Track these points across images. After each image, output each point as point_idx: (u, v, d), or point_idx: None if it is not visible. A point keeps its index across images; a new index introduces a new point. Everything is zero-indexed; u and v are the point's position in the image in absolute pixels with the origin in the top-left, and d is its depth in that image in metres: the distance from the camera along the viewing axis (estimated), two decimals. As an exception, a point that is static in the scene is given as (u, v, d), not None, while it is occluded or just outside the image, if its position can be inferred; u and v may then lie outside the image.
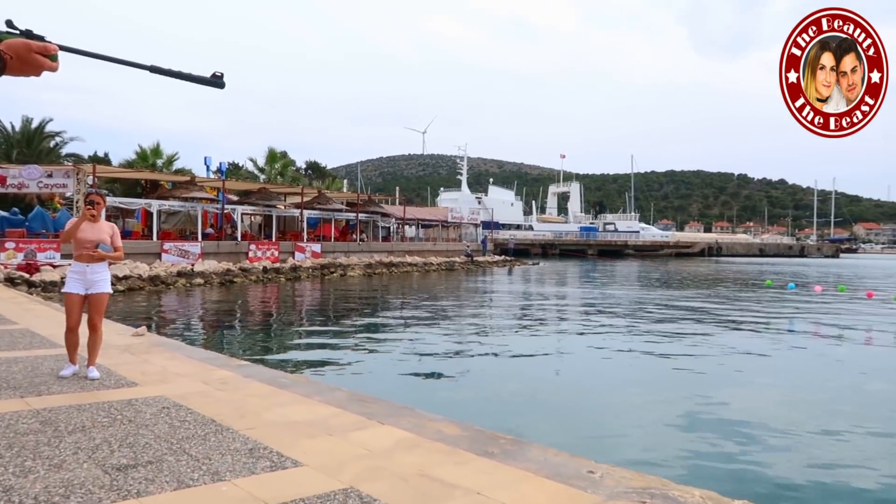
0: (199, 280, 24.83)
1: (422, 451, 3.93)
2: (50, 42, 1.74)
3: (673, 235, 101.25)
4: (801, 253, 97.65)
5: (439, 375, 10.01)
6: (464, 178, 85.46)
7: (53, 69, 1.75)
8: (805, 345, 13.68)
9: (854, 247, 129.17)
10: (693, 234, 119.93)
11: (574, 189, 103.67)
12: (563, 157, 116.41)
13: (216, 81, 1.95)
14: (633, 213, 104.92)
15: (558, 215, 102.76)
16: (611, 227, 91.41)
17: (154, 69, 1.90)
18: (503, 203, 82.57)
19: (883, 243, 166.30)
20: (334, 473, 3.50)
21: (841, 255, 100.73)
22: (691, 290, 28.99)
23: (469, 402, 8.30)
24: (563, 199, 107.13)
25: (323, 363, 10.68)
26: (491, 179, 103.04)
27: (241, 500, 3.12)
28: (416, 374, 10.04)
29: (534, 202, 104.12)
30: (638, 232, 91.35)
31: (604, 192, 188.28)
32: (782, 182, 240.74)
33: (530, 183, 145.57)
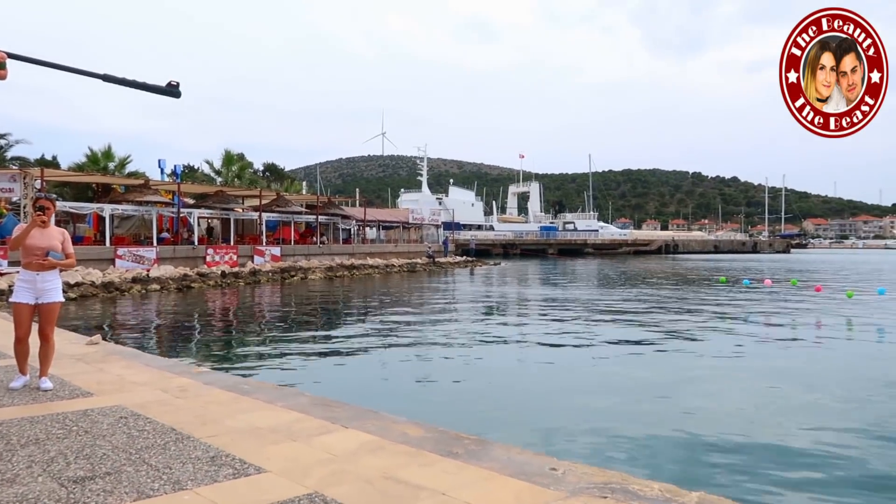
0: (154, 286, 24.31)
1: (386, 453, 3.94)
2: None
3: (631, 234, 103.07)
4: (754, 249, 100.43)
5: (403, 378, 10.01)
6: (424, 179, 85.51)
7: (2, 77, 1.71)
8: (760, 339, 14.07)
9: (804, 242, 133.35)
10: (650, 233, 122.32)
11: (534, 189, 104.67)
12: (523, 157, 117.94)
13: (172, 91, 1.94)
14: (591, 213, 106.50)
15: (519, 215, 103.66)
16: (570, 227, 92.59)
17: (108, 78, 1.87)
18: (464, 203, 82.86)
19: (831, 238, 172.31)
20: (298, 479, 3.48)
21: (791, 250, 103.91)
22: (650, 288, 29.55)
23: (433, 404, 8.32)
24: (523, 198, 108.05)
25: (285, 369, 10.57)
26: (451, 180, 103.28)
27: (204, 509, 3.08)
28: (380, 378, 10.02)
29: (494, 202, 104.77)
30: (597, 231, 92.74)
31: (563, 192, 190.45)
32: (735, 180, 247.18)
33: (490, 183, 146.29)
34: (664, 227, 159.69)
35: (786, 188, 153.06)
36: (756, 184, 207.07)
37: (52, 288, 5.68)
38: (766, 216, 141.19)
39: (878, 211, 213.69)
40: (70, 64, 1.86)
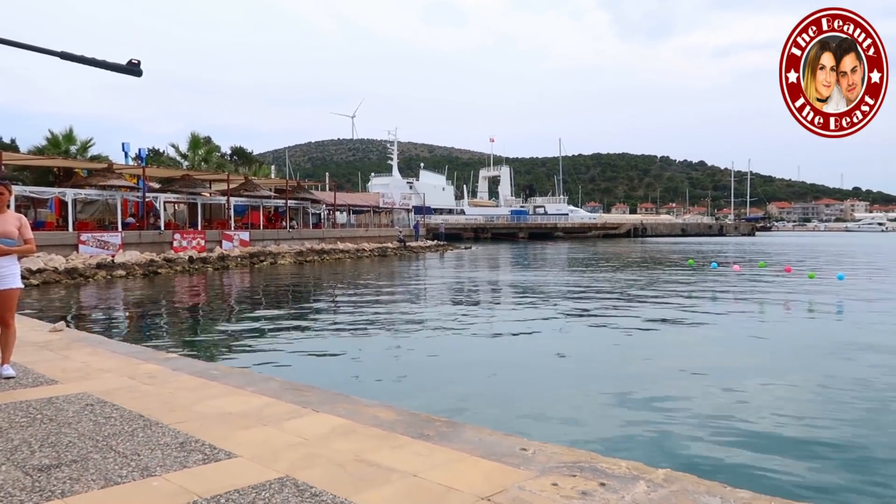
0: (120, 272, 23.88)
1: (358, 436, 3.95)
2: None
3: (600, 217, 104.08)
4: (720, 232, 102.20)
5: (374, 362, 10.01)
6: (394, 164, 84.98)
7: None
8: (724, 319, 14.37)
9: (768, 225, 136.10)
10: (619, 216, 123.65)
11: (504, 173, 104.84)
12: (493, 140, 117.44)
13: (133, 69, 1.89)
14: (561, 196, 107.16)
15: (489, 199, 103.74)
16: (541, 211, 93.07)
17: (66, 56, 1.82)
18: (434, 188, 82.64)
19: (794, 221, 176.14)
20: (269, 463, 3.48)
21: (756, 233, 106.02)
22: (618, 271, 29.91)
23: (405, 388, 8.35)
24: (494, 183, 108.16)
25: (255, 354, 10.50)
26: (422, 164, 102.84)
27: (173, 495, 3.06)
28: (351, 362, 10.01)
29: (465, 186, 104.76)
30: (567, 214, 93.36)
31: (533, 176, 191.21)
32: (702, 164, 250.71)
33: (461, 167, 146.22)
34: (633, 211, 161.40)
35: (751, 172, 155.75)
36: (723, 168, 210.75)
37: (9, 274, 5.54)
38: (732, 200, 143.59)
39: (840, 194, 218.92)
40: (26, 41, 1.79)
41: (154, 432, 4.02)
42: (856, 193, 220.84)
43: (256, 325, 13.73)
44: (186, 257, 28.02)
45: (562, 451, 3.70)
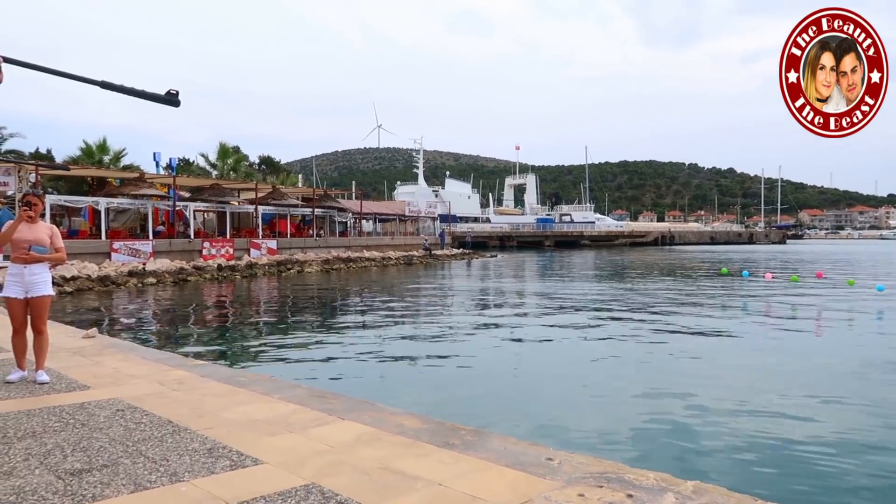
0: (151, 279, 24.28)
1: (383, 444, 3.95)
2: None
3: (627, 225, 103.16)
4: (750, 240, 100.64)
5: (400, 370, 10.03)
6: (420, 172, 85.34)
7: None
8: (757, 331, 14.11)
9: (800, 233, 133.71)
10: (647, 224, 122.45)
11: (530, 181, 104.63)
12: (518, 148, 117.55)
13: (171, 100, 1.92)
14: (588, 204, 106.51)
15: (515, 207, 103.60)
16: (567, 219, 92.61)
17: (106, 85, 1.85)
18: (460, 196, 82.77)
19: (826, 229, 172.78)
20: (295, 470, 3.49)
21: (787, 241, 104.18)
22: (647, 279, 29.60)
23: (430, 395, 8.34)
24: (520, 191, 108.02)
25: (282, 361, 10.58)
26: (447, 172, 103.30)
27: (200, 501, 3.09)
28: (377, 369, 10.04)
29: (490, 195, 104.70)
30: (593, 222, 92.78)
31: (559, 184, 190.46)
32: (731, 171, 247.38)
33: (487, 175, 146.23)
34: (660, 219, 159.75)
35: (782, 179, 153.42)
36: (752, 175, 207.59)
37: (40, 281, 5.67)
38: (763, 207, 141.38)
39: (874, 202, 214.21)
40: (64, 68, 1.84)
41: (182, 438, 4.06)
42: (891, 200, 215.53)
43: (283, 332, 13.84)
44: (215, 265, 28.39)
45: (588, 461, 3.66)
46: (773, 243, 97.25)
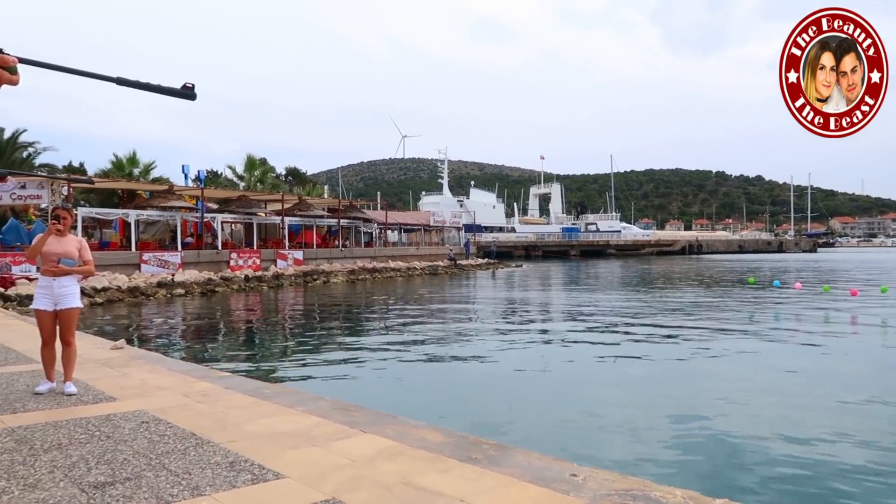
0: (179, 290, 24.60)
1: (405, 458, 3.91)
2: (8, 54, 1.68)
3: (654, 234, 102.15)
4: (780, 248, 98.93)
5: (423, 382, 9.99)
6: (445, 182, 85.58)
7: (13, 82, 1.70)
8: (788, 344, 13.82)
9: (831, 241, 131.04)
10: (673, 233, 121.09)
11: (555, 190, 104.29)
12: (543, 157, 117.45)
13: (187, 93, 1.92)
14: (614, 213, 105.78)
15: (540, 217, 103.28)
16: (592, 228, 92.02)
17: (121, 81, 1.86)
18: (485, 206, 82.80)
19: (858, 237, 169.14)
20: (316, 484, 3.47)
21: (818, 249, 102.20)
22: (675, 289, 29.22)
23: (453, 408, 8.29)
24: (545, 200, 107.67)
25: (306, 372, 10.61)
26: (472, 182, 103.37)
27: (222, 515, 3.08)
28: (401, 382, 10.01)
29: (515, 204, 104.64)
30: (619, 231, 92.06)
31: (585, 193, 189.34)
32: (759, 178, 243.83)
33: (511, 185, 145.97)
34: (688, 228, 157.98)
35: (812, 186, 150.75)
36: (781, 182, 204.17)
37: (68, 293, 5.76)
38: (792, 215, 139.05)
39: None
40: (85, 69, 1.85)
41: (205, 451, 4.07)
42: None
43: (308, 342, 13.90)
44: (242, 276, 28.68)
45: (614, 477, 3.58)
46: (804, 252, 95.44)
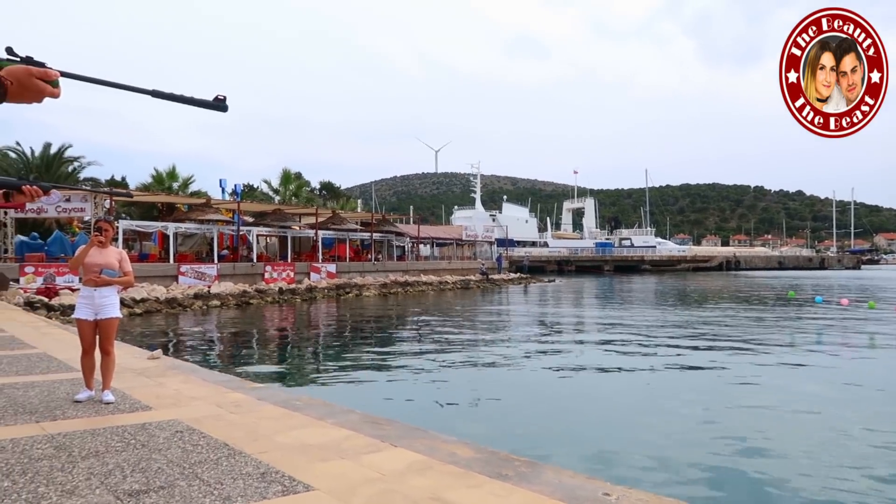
0: (215, 302, 24.99)
1: (434, 473, 3.89)
2: (51, 68, 1.75)
3: (690, 249, 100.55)
4: (822, 265, 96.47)
5: (454, 397, 9.95)
6: (477, 196, 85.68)
7: (55, 95, 1.77)
8: (832, 362, 13.43)
9: (876, 258, 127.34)
10: (710, 248, 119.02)
11: (588, 205, 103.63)
12: (576, 172, 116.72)
13: (219, 105, 1.96)
14: (648, 228, 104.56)
15: (573, 231, 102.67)
16: (627, 243, 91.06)
17: (156, 94, 1.91)
18: (517, 220, 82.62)
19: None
20: (345, 498, 3.47)
21: (863, 266, 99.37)
22: (712, 305, 28.68)
23: (484, 423, 8.23)
24: (578, 214, 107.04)
25: (337, 384, 10.66)
26: (505, 196, 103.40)
27: (252, 526, 3.09)
28: (431, 396, 9.98)
29: (548, 218, 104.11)
30: (654, 247, 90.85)
31: (619, 208, 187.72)
32: (800, 193, 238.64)
33: (544, 199, 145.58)
34: (725, 243, 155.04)
35: (855, 202, 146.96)
36: (823, 197, 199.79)
37: (109, 304, 5.89)
38: (834, 231, 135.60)
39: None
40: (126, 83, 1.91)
41: (237, 461, 4.10)
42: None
43: (340, 355, 13.97)
44: (277, 288, 29.03)
45: (648, 497, 3.50)
46: (847, 269, 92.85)
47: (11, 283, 21.48)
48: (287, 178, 52.03)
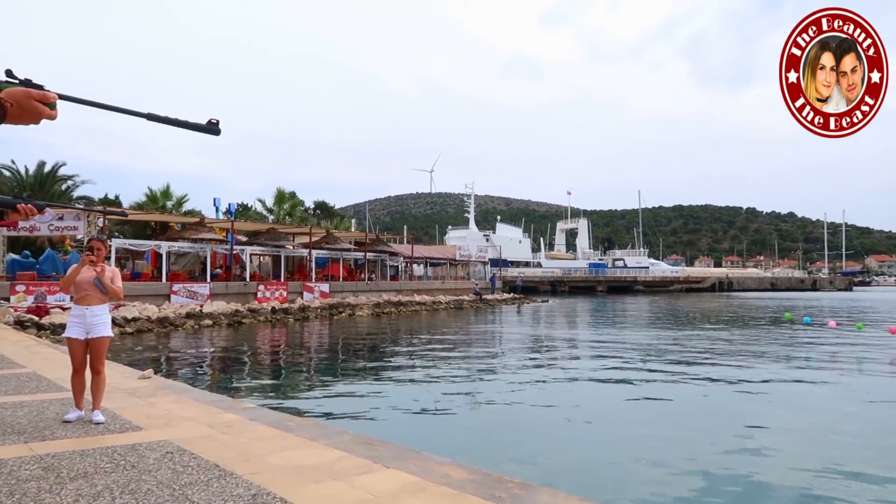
0: (207, 321, 24.84)
1: (427, 495, 3.86)
2: (49, 91, 1.79)
3: (683, 271, 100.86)
4: (814, 287, 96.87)
5: (447, 418, 9.89)
6: (471, 216, 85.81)
7: (52, 117, 1.80)
8: (827, 382, 13.44)
9: (867, 279, 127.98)
10: (703, 269, 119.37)
11: (582, 225, 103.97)
12: (570, 193, 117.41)
13: (212, 128, 1.98)
14: (641, 249, 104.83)
15: (567, 252, 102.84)
16: (620, 264, 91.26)
17: (151, 117, 1.93)
18: (511, 240, 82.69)
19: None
20: (338, 520, 3.43)
21: (854, 288, 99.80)
22: (706, 327, 28.72)
23: (477, 445, 8.18)
24: (572, 235, 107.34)
25: (330, 405, 10.58)
26: (499, 217, 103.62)
27: (243, 549, 3.05)
28: (424, 417, 9.92)
29: (542, 239, 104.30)
30: (647, 268, 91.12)
31: (612, 228, 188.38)
32: (791, 215, 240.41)
33: (538, 220, 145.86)
34: (717, 265, 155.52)
35: (846, 223, 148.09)
36: (814, 219, 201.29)
37: (100, 322, 5.86)
38: (826, 253, 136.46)
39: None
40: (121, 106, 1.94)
41: (228, 483, 4.06)
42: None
43: (332, 376, 13.88)
44: (269, 308, 28.90)
45: (642, 520, 3.48)
46: (839, 290, 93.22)
47: (2, 301, 21.33)
48: (281, 197, 52.05)
